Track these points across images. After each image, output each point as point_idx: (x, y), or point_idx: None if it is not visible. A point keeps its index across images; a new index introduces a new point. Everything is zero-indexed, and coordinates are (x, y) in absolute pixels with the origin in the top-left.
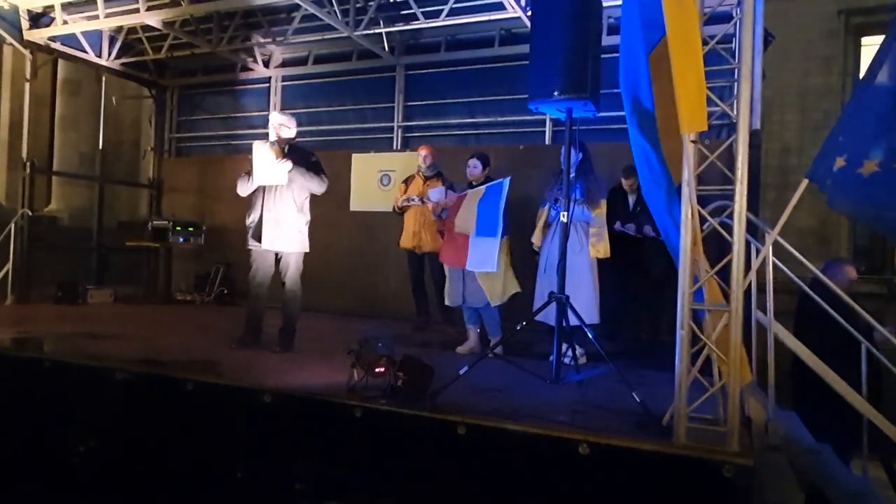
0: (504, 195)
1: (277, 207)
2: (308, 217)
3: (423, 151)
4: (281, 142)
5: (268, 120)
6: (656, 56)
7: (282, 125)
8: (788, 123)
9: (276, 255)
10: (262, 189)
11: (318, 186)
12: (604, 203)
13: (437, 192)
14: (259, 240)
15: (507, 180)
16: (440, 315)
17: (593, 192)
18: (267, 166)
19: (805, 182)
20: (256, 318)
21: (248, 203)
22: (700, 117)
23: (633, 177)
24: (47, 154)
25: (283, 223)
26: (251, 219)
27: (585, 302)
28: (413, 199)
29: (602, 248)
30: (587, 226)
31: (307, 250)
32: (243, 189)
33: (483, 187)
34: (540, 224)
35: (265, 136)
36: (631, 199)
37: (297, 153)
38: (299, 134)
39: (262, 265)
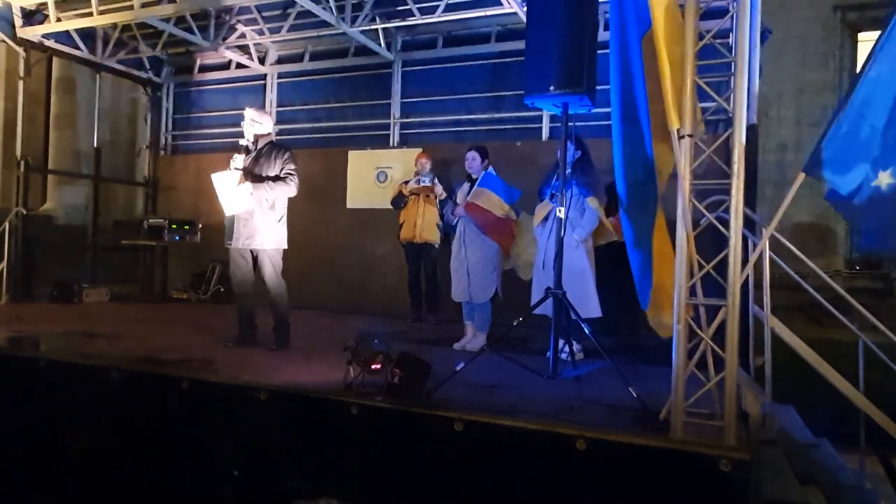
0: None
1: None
2: (281, 213)
3: (423, 159)
4: (258, 138)
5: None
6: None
7: (253, 121)
8: (785, 119)
9: (252, 253)
10: None
11: (285, 193)
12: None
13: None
14: (231, 238)
15: (490, 169)
16: (431, 317)
17: (594, 186)
18: (231, 194)
19: (801, 176)
20: (247, 315)
21: None
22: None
23: None
24: (42, 152)
25: (253, 221)
26: (226, 219)
27: (584, 296)
28: (424, 180)
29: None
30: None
31: (284, 247)
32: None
33: (480, 188)
34: (538, 216)
35: None
36: None
37: (267, 153)
38: (296, 131)
39: (239, 264)
